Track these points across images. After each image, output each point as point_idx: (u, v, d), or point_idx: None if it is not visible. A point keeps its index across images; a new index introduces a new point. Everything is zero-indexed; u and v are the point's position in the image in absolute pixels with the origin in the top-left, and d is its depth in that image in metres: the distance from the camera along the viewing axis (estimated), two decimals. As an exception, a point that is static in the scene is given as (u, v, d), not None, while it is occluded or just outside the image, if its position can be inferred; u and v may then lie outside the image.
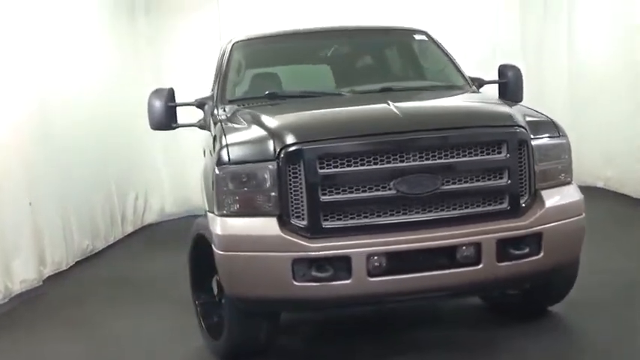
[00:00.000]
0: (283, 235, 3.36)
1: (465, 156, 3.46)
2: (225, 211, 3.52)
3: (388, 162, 3.38)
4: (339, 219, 3.40)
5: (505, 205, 3.53)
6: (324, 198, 3.37)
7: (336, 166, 3.38)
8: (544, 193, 3.63)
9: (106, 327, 4.90)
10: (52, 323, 5.08)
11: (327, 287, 3.34)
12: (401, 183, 3.38)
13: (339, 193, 3.39)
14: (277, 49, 5.19)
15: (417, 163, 3.40)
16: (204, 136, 4.98)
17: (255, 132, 3.70)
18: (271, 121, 3.72)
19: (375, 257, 3.34)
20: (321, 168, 3.37)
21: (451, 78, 4.92)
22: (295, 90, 4.78)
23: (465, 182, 3.47)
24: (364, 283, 3.34)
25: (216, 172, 3.53)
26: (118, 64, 7.98)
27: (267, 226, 3.41)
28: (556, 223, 3.58)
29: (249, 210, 3.48)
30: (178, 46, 8.92)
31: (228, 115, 4.31)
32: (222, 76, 4.87)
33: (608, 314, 4.32)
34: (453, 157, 3.44)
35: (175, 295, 5.46)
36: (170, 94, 4.69)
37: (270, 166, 3.42)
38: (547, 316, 4.35)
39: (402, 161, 3.39)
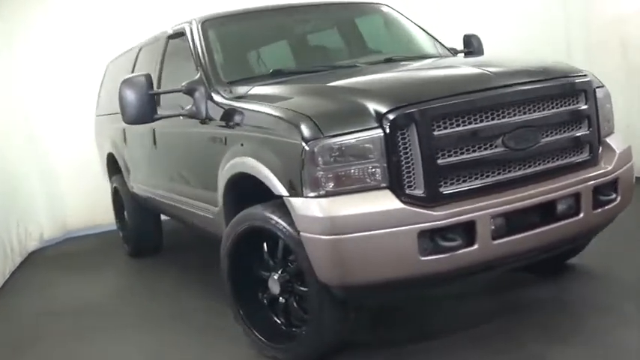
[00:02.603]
0: (406, 206, 3.05)
1: (557, 107, 3.41)
2: (321, 191, 3.11)
3: (497, 118, 3.22)
4: (453, 183, 3.17)
5: (586, 154, 3.54)
6: (440, 162, 3.12)
7: (449, 127, 3.14)
8: (608, 140, 3.71)
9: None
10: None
11: (454, 257, 3.09)
12: (509, 139, 3.24)
13: (453, 155, 3.15)
14: (254, 26, 4.73)
15: (521, 117, 3.28)
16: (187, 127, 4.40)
17: (336, 100, 3.34)
18: (351, 88, 3.39)
19: (496, 219, 3.17)
20: (434, 130, 3.11)
21: (434, 47, 4.87)
22: (302, 65, 4.40)
23: (559, 133, 3.42)
24: (489, 247, 3.15)
25: (306, 148, 3.10)
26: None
27: (383, 199, 3.07)
28: (624, 168, 3.67)
29: (352, 186, 3.10)
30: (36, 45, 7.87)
31: (253, 94, 3.86)
32: (206, 59, 4.34)
33: (622, 259, 4.53)
34: (548, 108, 3.38)
35: (126, 318, 4.94)
36: (148, 81, 4.09)
37: (374, 134, 3.08)
38: (569, 268, 4.45)
39: (507, 116, 3.25)
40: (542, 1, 7.22)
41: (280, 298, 3.63)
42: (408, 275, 3.10)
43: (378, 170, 3.08)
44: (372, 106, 3.14)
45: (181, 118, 4.39)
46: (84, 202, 8.11)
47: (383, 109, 3.11)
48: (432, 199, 3.09)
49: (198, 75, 4.27)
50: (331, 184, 3.10)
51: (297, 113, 3.26)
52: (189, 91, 4.18)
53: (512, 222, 3.22)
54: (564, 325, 3.62)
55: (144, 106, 4.06)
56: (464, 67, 3.63)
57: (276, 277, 3.58)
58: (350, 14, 5.05)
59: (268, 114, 3.49)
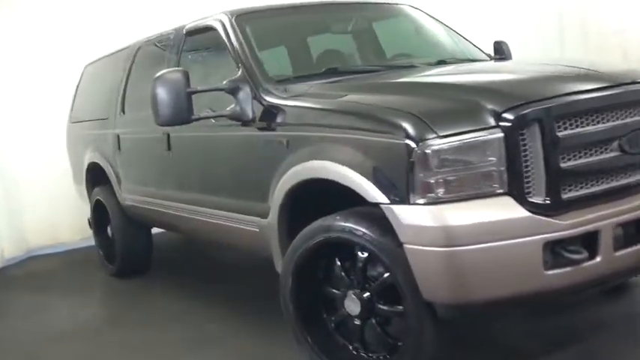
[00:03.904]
0: (532, 215, 2.73)
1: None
2: (432, 198, 2.76)
3: (616, 119, 2.97)
4: (572, 189, 2.88)
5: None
6: (564, 165, 2.83)
7: (570, 127, 2.86)
8: None
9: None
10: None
11: (577, 271, 2.79)
12: (625, 142, 2.98)
13: (573, 159, 2.87)
14: (289, 23, 4.38)
15: (637, 118, 3.04)
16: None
17: (439, 97, 3.02)
18: (451, 84, 3.09)
19: (616, 228, 2.90)
20: (558, 130, 2.82)
21: (473, 51, 4.64)
22: (353, 64, 4.05)
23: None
24: (611, 259, 2.87)
25: (417, 149, 2.75)
26: None
27: (506, 207, 2.74)
28: None
29: (466, 192, 2.76)
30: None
31: (318, 93, 3.50)
32: (248, 56, 3.93)
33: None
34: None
35: (130, 344, 4.40)
36: (186, 77, 3.68)
37: (493, 134, 2.76)
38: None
39: (626, 117, 3.00)
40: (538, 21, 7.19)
41: (356, 320, 3.24)
42: (531, 291, 2.78)
43: (495, 174, 2.76)
44: (488, 104, 2.83)
45: (213, 120, 3.97)
46: (46, 219, 7.41)
47: (502, 107, 2.80)
48: (555, 206, 2.80)
49: (240, 73, 3.85)
50: (442, 190, 2.76)
51: (399, 111, 2.91)
52: (232, 91, 3.76)
53: (629, 232, 2.96)
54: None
55: (180, 106, 3.67)
56: (559, 66, 3.37)
57: (354, 295, 3.20)
58: (389, 14, 4.76)
59: (357, 112, 3.12)
